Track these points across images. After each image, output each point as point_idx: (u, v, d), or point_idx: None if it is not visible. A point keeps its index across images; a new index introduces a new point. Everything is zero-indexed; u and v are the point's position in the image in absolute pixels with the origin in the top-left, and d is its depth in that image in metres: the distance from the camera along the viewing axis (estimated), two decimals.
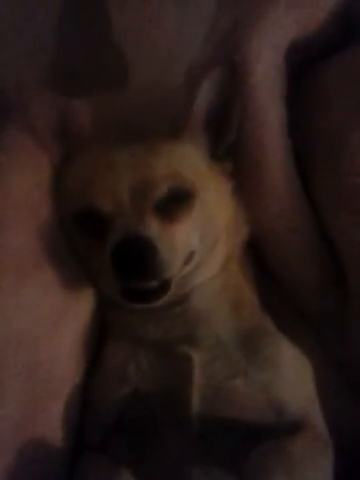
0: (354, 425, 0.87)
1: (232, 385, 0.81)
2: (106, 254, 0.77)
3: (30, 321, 0.81)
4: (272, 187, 0.90)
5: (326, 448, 0.78)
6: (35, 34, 1.01)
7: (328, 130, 0.89)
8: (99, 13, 0.95)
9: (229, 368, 0.83)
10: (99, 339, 0.93)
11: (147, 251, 0.75)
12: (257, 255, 0.97)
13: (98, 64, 0.97)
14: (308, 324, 0.93)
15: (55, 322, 0.85)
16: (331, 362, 0.89)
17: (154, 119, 0.94)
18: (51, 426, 0.83)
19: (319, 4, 0.87)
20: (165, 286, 0.80)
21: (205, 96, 0.87)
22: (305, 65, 0.92)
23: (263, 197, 0.92)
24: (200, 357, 0.83)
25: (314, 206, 0.93)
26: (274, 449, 0.73)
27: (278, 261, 0.95)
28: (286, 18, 0.86)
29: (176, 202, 0.83)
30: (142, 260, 0.75)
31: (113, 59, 0.95)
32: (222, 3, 0.92)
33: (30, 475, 0.79)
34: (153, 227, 0.79)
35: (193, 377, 0.81)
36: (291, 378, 0.83)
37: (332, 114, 0.88)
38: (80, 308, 0.90)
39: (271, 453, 0.73)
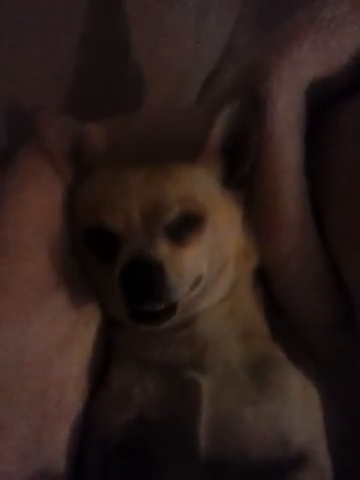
0: (356, 463, 0.85)
1: (241, 414, 0.79)
2: (115, 274, 0.77)
3: (41, 347, 0.82)
4: (285, 225, 0.89)
5: None
6: (56, 59, 1.05)
7: (344, 165, 0.88)
8: (117, 34, 0.98)
9: (238, 396, 0.81)
10: (104, 361, 0.92)
11: (156, 274, 0.75)
12: (267, 288, 0.96)
13: (114, 85, 0.99)
14: (315, 361, 0.90)
15: (65, 346, 0.85)
16: (335, 400, 0.87)
17: (167, 141, 0.95)
18: (57, 448, 0.82)
19: (344, 47, 0.88)
20: (171, 309, 0.80)
21: (224, 123, 0.88)
22: (325, 103, 0.93)
23: (275, 234, 0.91)
24: (208, 384, 0.82)
25: (326, 244, 0.91)
26: None
27: (287, 297, 0.94)
28: (309, 58, 0.87)
29: (187, 226, 0.83)
30: (150, 283, 0.75)
31: (129, 79, 0.97)
32: (239, 32, 0.93)
33: None
34: (163, 250, 0.79)
35: (201, 404, 0.80)
36: (299, 410, 0.82)
37: (350, 153, 0.88)
38: (89, 331, 0.90)
39: None
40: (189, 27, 1.04)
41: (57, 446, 0.82)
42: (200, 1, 1.04)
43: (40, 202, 0.89)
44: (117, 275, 0.76)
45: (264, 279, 0.95)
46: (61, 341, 0.85)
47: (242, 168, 0.91)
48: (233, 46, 1.05)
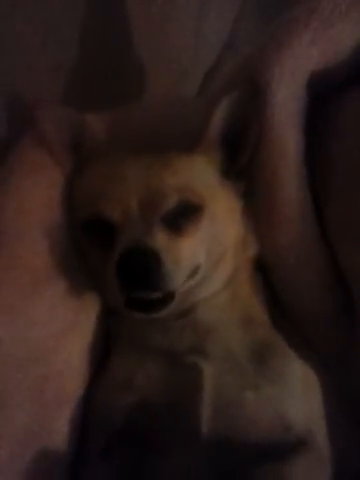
0: (352, 452, 0.84)
1: (243, 398, 0.79)
2: (112, 263, 0.77)
3: (41, 335, 0.82)
4: (284, 217, 0.90)
5: (325, 469, 0.77)
6: (56, 51, 1.05)
7: (344, 161, 0.88)
8: (118, 26, 0.98)
9: (240, 381, 0.81)
10: (104, 348, 0.92)
11: (152, 262, 0.75)
12: (266, 278, 0.96)
13: (116, 76, 0.99)
14: (314, 351, 0.90)
15: (65, 335, 0.86)
16: (334, 389, 0.86)
17: (167, 131, 0.96)
18: (58, 435, 0.83)
19: (344, 40, 0.88)
20: (168, 298, 0.80)
21: (223, 114, 0.88)
22: (325, 96, 0.93)
23: (274, 225, 0.91)
24: (210, 368, 0.82)
25: (326, 236, 0.91)
26: (271, 474, 0.72)
27: (286, 288, 0.94)
28: (310, 50, 0.87)
29: (185, 215, 0.83)
30: (146, 271, 0.75)
31: (131, 70, 0.98)
32: (239, 24, 0.94)
33: None
34: (160, 239, 0.79)
35: (203, 388, 0.80)
36: (299, 394, 0.82)
37: (349, 146, 0.88)
38: (89, 319, 0.90)
39: (268, 478, 0.72)
40: (190, 20, 1.04)
41: (57, 433, 0.83)
42: None
43: (40, 193, 0.89)
44: (114, 263, 0.76)
45: (263, 269, 0.95)
46: (61, 329, 0.85)
47: (241, 158, 0.91)
48: (233, 39, 1.05)
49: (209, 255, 0.85)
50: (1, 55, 0.92)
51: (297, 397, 0.81)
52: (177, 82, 1.10)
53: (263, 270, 0.95)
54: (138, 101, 1.08)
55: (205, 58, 1.08)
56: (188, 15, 1.06)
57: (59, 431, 0.83)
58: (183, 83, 1.10)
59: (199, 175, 0.89)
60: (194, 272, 0.84)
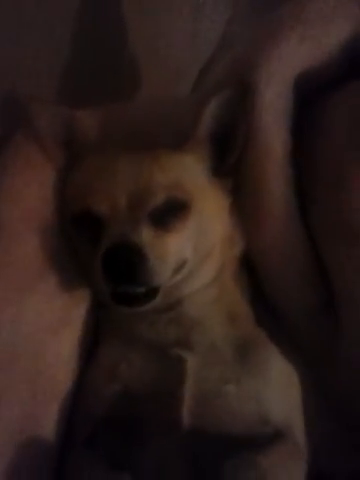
0: (333, 448, 0.87)
1: (224, 390, 0.81)
2: (98, 257, 0.79)
3: (34, 329, 0.84)
4: (270, 214, 0.91)
5: (301, 461, 0.79)
6: (51, 49, 1.06)
7: (329, 161, 0.90)
8: (113, 25, 0.99)
9: (222, 374, 0.83)
10: (94, 340, 0.94)
11: (136, 257, 0.77)
12: (252, 274, 0.97)
13: (111, 75, 1.01)
14: (298, 347, 0.92)
15: (57, 327, 0.87)
16: (316, 386, 0.88)
17: (159, 130, 0.97)
18: (48, 427, 0.84)
19: (330, 40, 0.89)
20: (152, 293, 0.82)
21: (213, 112, 0.89)
22: (312, 98, 0.94)
23: (260, 222, 0.92)
24: (194, 360, 0.83)
25: (311, 235, 0.93)
26: (246, 462, 0.73)
27: (271, 283, 0.95)
28: (298, 49, 0.88)
29: (172, 212, 0.84)
30: (130, 266, 0.77)
31: (126, 70, 0.99)
32: (234, 23, 0.95)
33: (28, 471, 0.81)
34: (145, 234, 0.81)
35: (186, 379, 0.82)
36: (279, 389, 0.83)
37: (334, 146, 0.89)
38: (79, 311, 0.92)
39: (243, 466, 0.72)
40: (185, 19, 1.05)
41: (47, 424, 0.84)
42: None
43: (32, 189, 0.91)
44: (99, 258, 0.78)
45: (248, 266, 0.97)
46: (53, 323, 0.87)
47: (230, 157, 0.93)
48: (228, 37, 1.06)
49: (196, 251, 0.87)
50: None
51: (277, 392, 0.83)
52: (172, 81, 1.11)
53: (248, 266, 0.97)
54: (132, 99, 1.09)
55: (200, 58, 1.09)
56: (184, 15, 1.07)
57: (49, 423, 0.84)
58: (178, 82, 1.12)
59: (188, 172, 0.90)
60: (180, 267, 0.86)
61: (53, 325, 0.87)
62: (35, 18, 1.01)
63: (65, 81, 1.07)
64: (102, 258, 0.78)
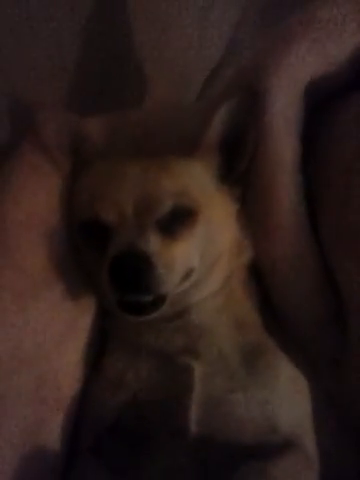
0: (341, 456, 0.85)
1: (231, 399, 0.81)
2: (105, 265, 0.79)
3: (40, 338, 0.84)
4: (279, 223, 0.90)
5: (311, 471, 0.78)
6: (57, 55, 1.06)
7: (338, 170, 0.89)
8: (119, 30, 0.99)
9: (230, 382, 0.82)
10: (99, 348, 0.94)
11: (143, 266, 0.77)
12: (260, 283, 0.97)
13: (118, 80, 1.00)
14: (305, 355, 0.91)
15: (62, 337, 0.87)
16: (324, 394, 0.88)
17: (166, 136, 0.97)
18: (53, 435, 0.84)
19: (341, 47, 0.88)
20: (159, 301, 0.81)
21: (222, 120, 0.89)
22: (322, 105, 0.93)
23: (269, 232, 0.91)
24: (201, 369, 0.83)
25: (319, 244, 0.92)
26: (256, 471, 0.73)
27: (280, 293, 0.95)
28: (307, 58, 0.87)
29: (179, 220, 0.84)
30: (137, 274, 0.77)
31: (133, 75, 0.98)
32: (242, 29, 0.94)
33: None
34: (153, 242, 0.80)
35: (193, 387, 0.81)
36: (288, 397, 0.83)
37: (344, 154, 0.89)
38: (85, 320, 0.92)
39: (253, 474, 0.72)
40: (192, 24, 1.05)
41: (53, 433, 0.84)
42: None
43: (39, 197, 0.91)
44: (106, 266, 0.78)
45: (257, 274, 0.96)
46: (58, 332, 0.87)
47: (239, 164, 0.92)
48: (235, 43, 1.06)
49: (203, 259, 0.86)
50: (2, 59, 0.93)
51: (285, 400, 0.82)
52: (180, 86, 1.10)
53: (256, 274, 0.96)
54: (139, 105, 1.09)
55: (208, 62, 1.09)
56: (189, 16, 1.06)
57: (54, 431, 0.84)
58: (186, 87, 1.11)
59: (196, 180, 0.90)
60: (188, 275, 0.85)
61: (58, 333, 0.87)
62: (42, 25, 1.01)
63: (71, 88, 1.06)
64: (109, 266, 0.77)
